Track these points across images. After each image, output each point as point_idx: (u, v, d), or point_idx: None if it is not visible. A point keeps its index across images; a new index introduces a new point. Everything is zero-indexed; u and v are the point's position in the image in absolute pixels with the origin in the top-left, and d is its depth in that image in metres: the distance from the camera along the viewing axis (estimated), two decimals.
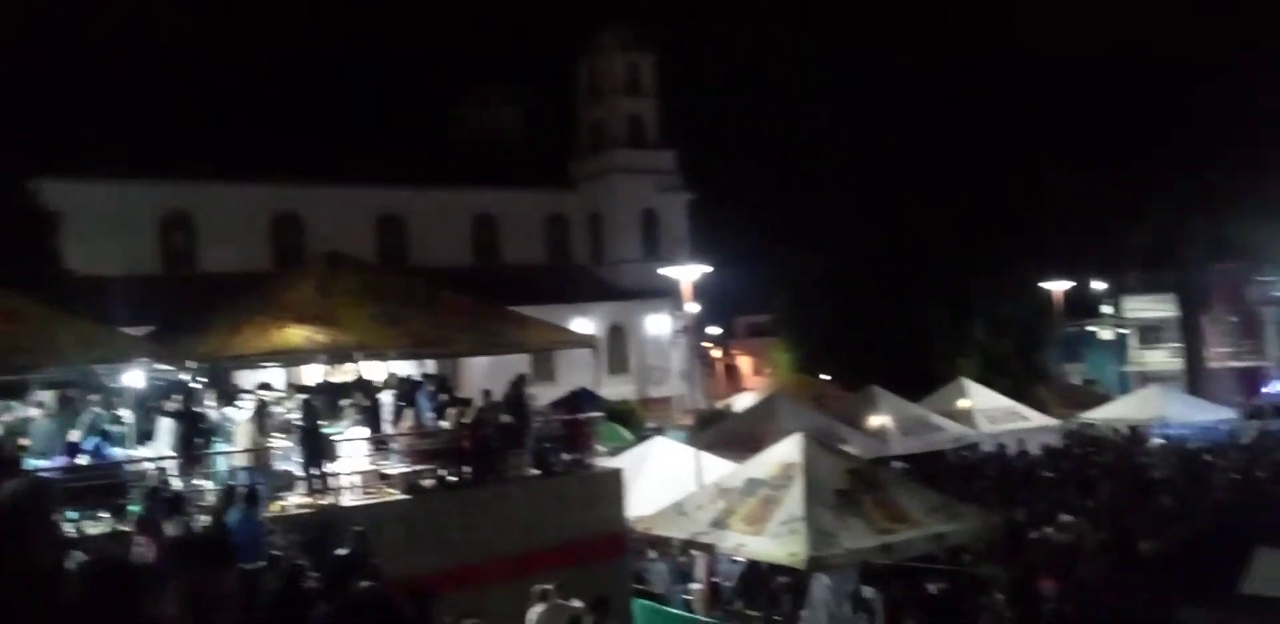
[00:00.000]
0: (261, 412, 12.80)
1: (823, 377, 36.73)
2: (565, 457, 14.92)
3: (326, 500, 12.60)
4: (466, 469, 13.80)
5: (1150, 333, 45.14)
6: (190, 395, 13.31)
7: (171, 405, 12.70)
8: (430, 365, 22.26)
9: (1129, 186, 38.72)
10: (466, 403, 15.29)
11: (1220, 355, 40.79)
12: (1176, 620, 8.80)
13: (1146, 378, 41.65)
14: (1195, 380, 37.57)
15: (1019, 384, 34.84)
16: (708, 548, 13.00)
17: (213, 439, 12.78)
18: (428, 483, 13.56)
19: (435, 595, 8.59)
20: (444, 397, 15.48)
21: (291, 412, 13.82)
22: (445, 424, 14.33)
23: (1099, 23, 40.57)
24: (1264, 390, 35.79)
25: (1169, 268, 40.93)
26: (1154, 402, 29.34)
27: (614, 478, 15.00)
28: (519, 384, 15.07)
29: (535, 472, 14.43)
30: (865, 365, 33.30)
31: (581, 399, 15.41)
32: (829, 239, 42.95)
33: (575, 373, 33.05)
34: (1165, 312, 42.44)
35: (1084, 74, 40.24)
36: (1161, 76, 37.02)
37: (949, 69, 44.51)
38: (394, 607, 8.15)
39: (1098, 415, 29.81)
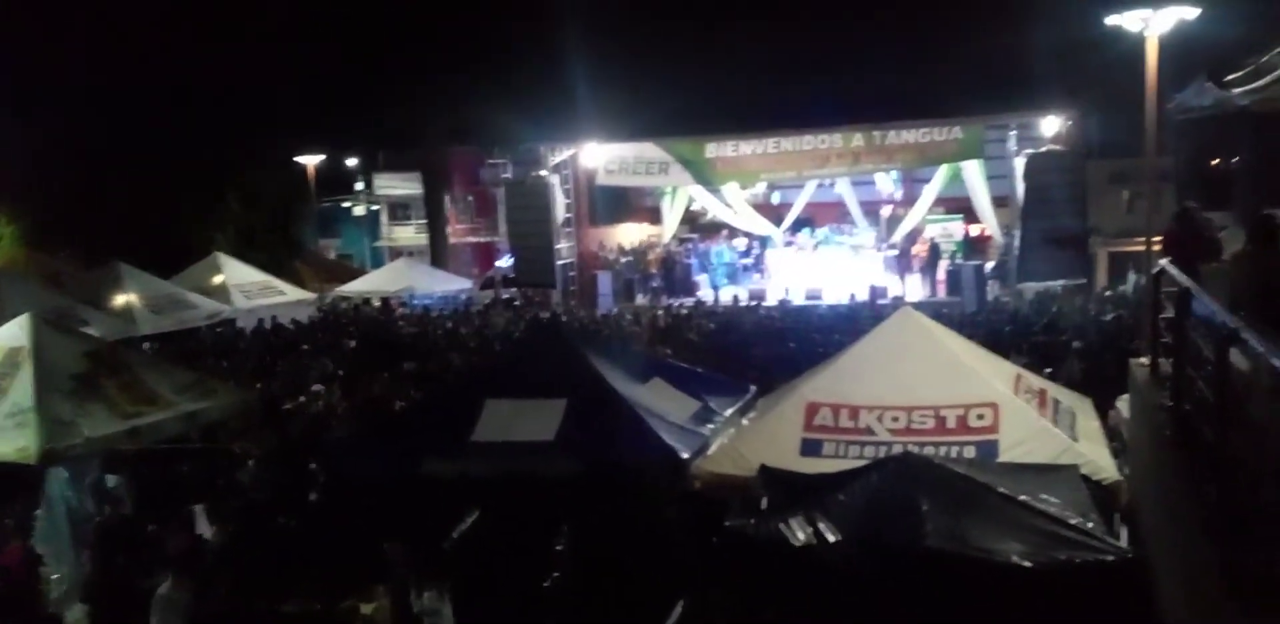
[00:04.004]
0: None
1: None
2: None
3: None
4: None
5: (400, 209, 47.76)
6: None
7: None
8: None
9: (386, 71, 40.11)
10: None
11: (460, 231, 44.70)
12: (421, 471, 9.52)
13: (396, 252, 44.32)
14: (439, 254, 40.70)
15: (275, 259, 34.77)
16: None
17: None
18: None
19: None
20: None
21: None
22: None
23: None
24: (496, 264, 40.18)
25: (415, 147, 43.39)
26: (403, 274, 31.45)
27: None
28: None
29: None
30: (109, 240, 30.38)
31: None
32: (66, 97, 37.60)
33: None
34: (413, 190, 45.11)
35: None
36: None
37: None
38: None
39: (352, 288, 31.12)
